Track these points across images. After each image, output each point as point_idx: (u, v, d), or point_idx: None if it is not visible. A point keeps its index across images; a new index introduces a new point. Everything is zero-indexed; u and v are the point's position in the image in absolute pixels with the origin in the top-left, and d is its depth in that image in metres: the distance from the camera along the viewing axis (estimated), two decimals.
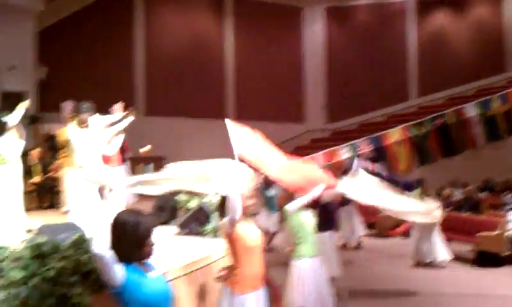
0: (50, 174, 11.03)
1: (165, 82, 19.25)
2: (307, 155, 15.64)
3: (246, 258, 3.97)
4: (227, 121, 5.04)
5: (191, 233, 6.74)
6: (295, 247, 5.58)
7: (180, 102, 19.06)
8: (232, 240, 4.00)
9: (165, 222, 7.56)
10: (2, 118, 7.63)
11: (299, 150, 18.23)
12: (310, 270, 5.49)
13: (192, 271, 5.23)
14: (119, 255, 2.73)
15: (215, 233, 6.63)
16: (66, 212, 9.80)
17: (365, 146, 16.06)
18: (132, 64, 19.27)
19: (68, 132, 6.85)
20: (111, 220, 2.85)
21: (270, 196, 11.32)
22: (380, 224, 13.18)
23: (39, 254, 3.79)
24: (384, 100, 20.93)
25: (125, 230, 2.75)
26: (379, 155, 15.54)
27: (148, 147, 11.13)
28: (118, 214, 2.85)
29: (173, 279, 4.90)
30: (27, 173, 10.90)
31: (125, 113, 7.67)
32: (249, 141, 5.09)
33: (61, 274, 3.74)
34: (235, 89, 20.41)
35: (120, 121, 7.98)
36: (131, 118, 8.46)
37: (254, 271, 4.07)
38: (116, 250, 2.75)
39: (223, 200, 4.11)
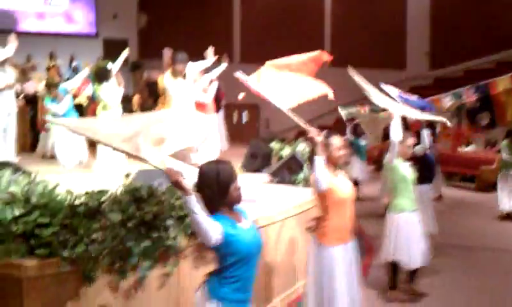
0: None
1: (260, 29, 19.11)
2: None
3: (336, 211, 3.88)
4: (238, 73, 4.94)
5: (282, 181, 6.74)
6: (393, 199, 5.39)
7: (275, 50, 18.88)
8: (321, 193, 3.90)
9: (257, 170, 7.62)
10: (106, 66, 7.97)
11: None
12: (408, 224, 5.30)
13: (283, 219, 5.26)
14: (207, 207, 2.75)
15: (306, 182, 6.59)
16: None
17: (469, 94, 15.10)
18: (229, 12, 19.28)
19: (164, 80, 6.98)
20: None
21: (360, 145, 11.05)
22: (480, 177, 12.54)
23: (136, 198, 3.96)
24: (493, 46, 19.44)
25: (207, 180, 2.77)
26: (485, 104, 14.56)
27: (242, 94, 11.17)
28: (200, 167, 2.87)
29: (264, 226, 4.96)
30: None
31: (216, 57, 7.66)
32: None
33: (156, 217, 3.90)
34: (332, 34, 19.85)
35: (212, 68, 8.02)
36: (224, 65, 8.50)
37: (343, 224, 3.98)
38: (204, 203, 2.76)
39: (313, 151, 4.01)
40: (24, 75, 11.57)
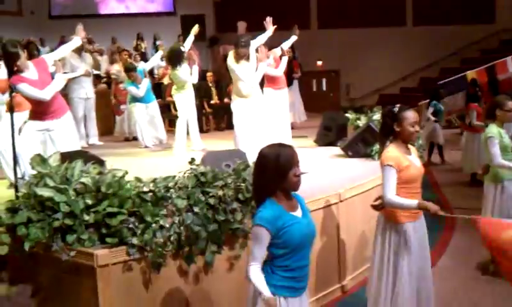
0: (227, 96, 11.52)
1: None
2: (495, 59, 14.03)
3: (406, 189, 3.66)
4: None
5: (356, 154, 6.56)
6: (491, 170, 5.03)
7: (352, 15, 18.31)
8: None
9: (331, 143, 7.47)
10: (180, 48, 8.04)
11: (486, 54, 16.47)
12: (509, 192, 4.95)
13: (352, 196, 5.12)
14: (263, 191, 2.73)
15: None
16: None
17: None
18: None
19: (229, 63, 6.85)
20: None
21: (439, 109, 10.49)
22: None
23: (202, 182, 4.00)
24: None
25: (267, 163, 2.71)
26: None
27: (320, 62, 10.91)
28: (260, 150, 2.81)
29: (333, 204, 4.86)
30: (205, 95, 11.56)
31: (273, 27, 7.44)
32: None
33: (222, 201, 3.92)
34: None
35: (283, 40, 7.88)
36: (294, 38, 8.33)
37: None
38: (261, 185, 2.74)
39: (384, 125, 3.81)
40: (112, 57, 12.03)
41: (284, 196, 2.77)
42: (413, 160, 3.73)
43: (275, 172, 2.70)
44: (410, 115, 3.69)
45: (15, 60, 4.92)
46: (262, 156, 2.77)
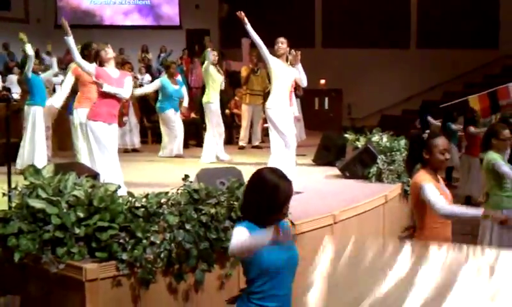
0: (229, 110, 11.53)
1: (342, 14, 18.65)
2: (498, 84, 14.04)
3: (435, 221, 3.45)
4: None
5: (353, 175, 6.55)
6: (492, 198, 4.96)
7: (356, 34, 18.39)
8: (421, 202, 3.48)
9: (330, 163, 7.46)
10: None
11: (489, 78, 16.48)
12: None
13: (348, 217, 5.11)
14: (249, 213, 2.61)
15: (380, 176, 6.36)
16: (242, 147, 10.31)
17: None
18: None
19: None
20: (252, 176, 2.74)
21: (454, 130, 10.46)
22: None
23: (194, 199, 3.99)
24: None
25: (262, 191, 2.58)
26: None
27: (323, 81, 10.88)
28: (259, 171, 2.68)
29: (327, 225, 4.84)
30: None
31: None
32: None
33: (214, 219, 3.91)
34: (418, 15, 18.97)
35: None
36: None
37: (442, 235, 3.48)
38: (248, 206, 2.62)
39: (412, 153, 3.61)
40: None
41: (267, 223, 2.67)
42: (443, 189, 3.59)
43: (267, 201, 2.57)
44: (440, 142, 3.53)
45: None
46: (261, 178, 2.63)
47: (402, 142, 6.94)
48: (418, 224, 3.64)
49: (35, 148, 7.21)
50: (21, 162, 7.17)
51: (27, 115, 7.37)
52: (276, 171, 2.68)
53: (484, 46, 18.21)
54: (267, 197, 2.57)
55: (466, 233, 5.61)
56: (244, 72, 10.85)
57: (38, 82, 7.44)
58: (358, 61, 17.77)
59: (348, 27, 18.50)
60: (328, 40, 18.72)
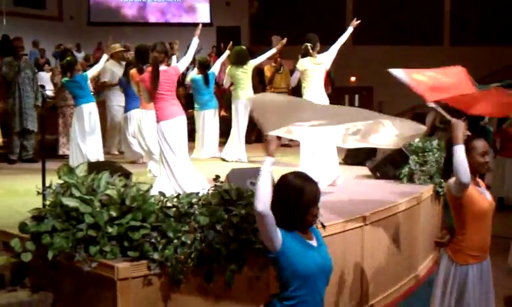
0: None
1: (374, 10, 18.45)
2: None
3: (475, 225, 3.44)
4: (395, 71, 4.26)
5: (384, 176, 6.46)
6: None
7: (388, 31, 18.17)
8: (458, 205, 3.45)
9: (360, 163, 7.38)
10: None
11: None
12: None
13: (379, 219, 5.04)
14: (278, 219, 2.57)
15: (411, 177, 6.26)
16: None
17: None
18: None
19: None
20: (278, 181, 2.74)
21: (487, 130, 10.24)
22: None
23: (225, 200, 3.99)
24: None
25: (288, 195, 2.58)
26: None
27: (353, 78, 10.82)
28: (285, 175, 2.69)
29: (358, 227, 4.79)
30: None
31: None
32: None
33: (244, 220, 3.90)
34: (451, 12, 18.64)
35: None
36: None
37: (482, 240, 3.51)
38: (276, 212, 2.56)
39: (449, 156, 3.42)
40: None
41: (298, 228, 2.66)
42: (483, 193, 3.53)
43: (294, 208, 2.58)
44: (480, 145, 3.49)
45: None
46: (285, 183, 2.64)
47: (435, 142, 6.80)
48: (457, 224, 3.57)
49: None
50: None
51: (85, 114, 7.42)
52: (300, 175, 2.68)
53: None
54: (293, 202, 2.58)
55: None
56: (267, 72, 10.89)
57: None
58: (389, 59, 17.50)
59: (379, 24, 18.30)
60: (358, 37, 18.50)
